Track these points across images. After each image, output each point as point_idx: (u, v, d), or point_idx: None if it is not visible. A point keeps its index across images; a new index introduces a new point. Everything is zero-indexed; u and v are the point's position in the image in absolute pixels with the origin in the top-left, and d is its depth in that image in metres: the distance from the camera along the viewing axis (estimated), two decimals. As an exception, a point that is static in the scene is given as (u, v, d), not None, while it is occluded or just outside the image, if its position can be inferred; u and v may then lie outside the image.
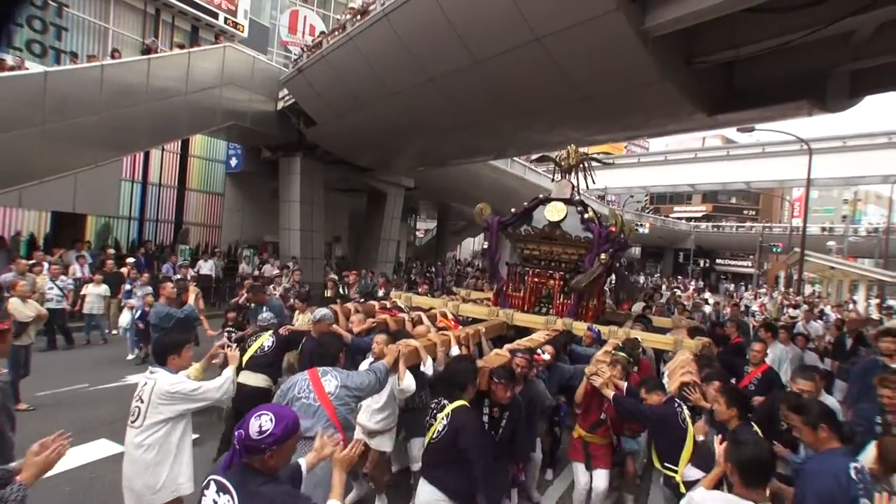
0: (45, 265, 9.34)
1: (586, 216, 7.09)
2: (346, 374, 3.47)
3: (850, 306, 20.99)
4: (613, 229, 6.92)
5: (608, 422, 4.53)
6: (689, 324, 7.96)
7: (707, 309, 14.54)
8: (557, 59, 9.36)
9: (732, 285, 42.99)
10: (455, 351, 4.73)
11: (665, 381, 4.73)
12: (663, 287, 25.26)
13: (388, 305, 7.02)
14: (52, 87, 10.94)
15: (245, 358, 5.00)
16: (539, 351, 4.96)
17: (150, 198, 17.58)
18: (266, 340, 5.17)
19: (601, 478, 4.48)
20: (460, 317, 6.96)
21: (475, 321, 6.70)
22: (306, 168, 17.47)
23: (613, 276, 8.57)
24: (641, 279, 33.78)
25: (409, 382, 3.94)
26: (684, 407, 3.91)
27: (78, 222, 14.05)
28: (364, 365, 4.27)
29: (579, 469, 4.60)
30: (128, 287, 9.80)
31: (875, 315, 17.80)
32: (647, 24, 8.00)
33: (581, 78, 9.89)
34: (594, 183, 7.95)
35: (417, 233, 37.84)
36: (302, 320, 6.45)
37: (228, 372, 3.50)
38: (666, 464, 3.90)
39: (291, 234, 17.84)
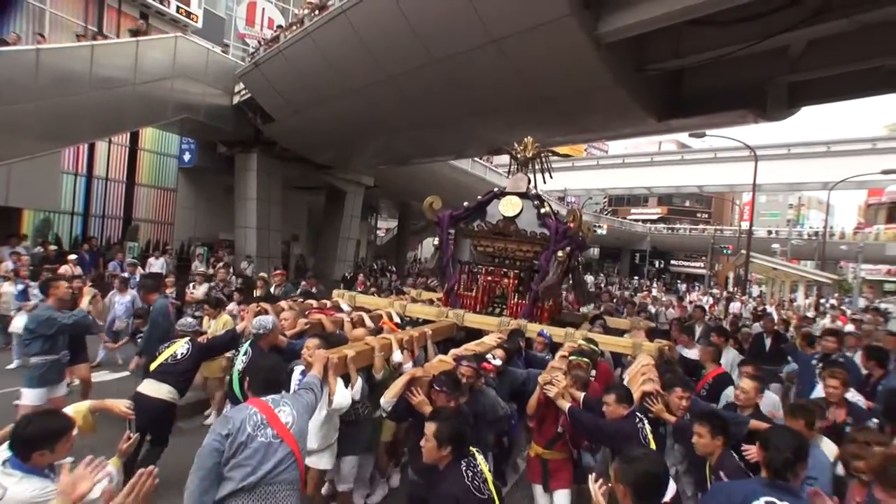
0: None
1: (542, 211, 6.72)
2: (294, 398, 2.97)
3: (787, 305, 22.19)
4: (572, 225, 6.55)
5: (566, 435, 4.08)
6: (647, 325, 7.71)
7: (653, 308, 14.85)
8: (513, 61, 9.52)
9: (685, 286, 44.39)
10: (397, 356, 4.41)
11: None
12: (614, 288, 25.92)
13: (329, 305, 6.63)
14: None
15: (153, 365, 4.51)
16: (489, 357, 4.54)
17: (95, 192, 16.76)
18: (180, 348, 4.60)
19: (562, 498, 4.04)
20: (408, 318, 6.60)
21: (426, 323, 6.26)
22: (263, 165, 17.13)
23: (570, 276, 8.29)
24: (589, 279, 34.40)
25: (341, 398, 3.54)
26: (646, 422, 3.57)
27: (12, 216, 13.19)
28: (296, 373, 3.92)
29: (537, 492, 4.14)
30: (20, 287, 8.31)
31: (811, 314, 18.66)
32: (600, 29, 8.24)
33: (537, 80, 10.08)
34: (551, 178, 7.57)
35: (378, 232, 37.60)
36: (213, 329, 5.76)
37: (112, 467, 2.55)
38: None
39: (248, 232, 17.46)
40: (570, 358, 4.57)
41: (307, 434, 2.96)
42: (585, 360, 4.54)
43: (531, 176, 7.30)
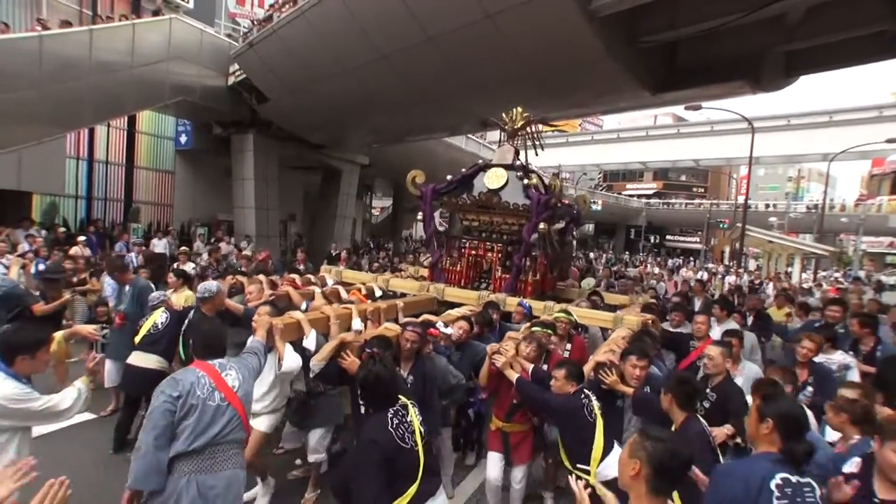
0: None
1: (525, 182, 6.40)
2: (240, 362, 3.07)
3: (783, 278, 22.41)
4: (568, 202, 6.37)
5: (525, 406, 3.98)
6: (645, 301, 7.42)
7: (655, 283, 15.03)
8: (508, 37, 9.62)
9: (680, 260, 44.54)
10: (357, 325, 4.34)
11: None
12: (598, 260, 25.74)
13: (314, 280, 6.66)
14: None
15: (137, 339, 4.70)
16: (438, 324, 4.46)
17: (97, 176, 16.95)
18: (159, 318, 4.78)
19: (519, 471, 4.03)
20: (391, 292, 6.54)
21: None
22: (260, 145, 17.19)
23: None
24: (592, 255, 34.68)
25: (290, 362, 3.58)
26: (592, 397, 3.49)
27: (24, 201, 13.50)
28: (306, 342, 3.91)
29: (492, 459, 4.07)
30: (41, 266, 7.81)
31: (807, 285, 18.99)
32: (594, 3, 8.36)
33: (530, 56, 10.17)
34: (542, 150, 7.29)
35: (373, 211, 37.70)
36: (176, 300, 5.64)
37: (81, 384, 2.88)
38: (577, 464, 3.42)
39: (246, 212, 17.61)
40: (532, 329, 4.41)
41: (252, 396, 3.08)
42: (547, 331, 4.42)
43: (521, 148, 7.08)
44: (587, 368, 3.87)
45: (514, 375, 3.75)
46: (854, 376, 4.64)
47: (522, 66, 10.57)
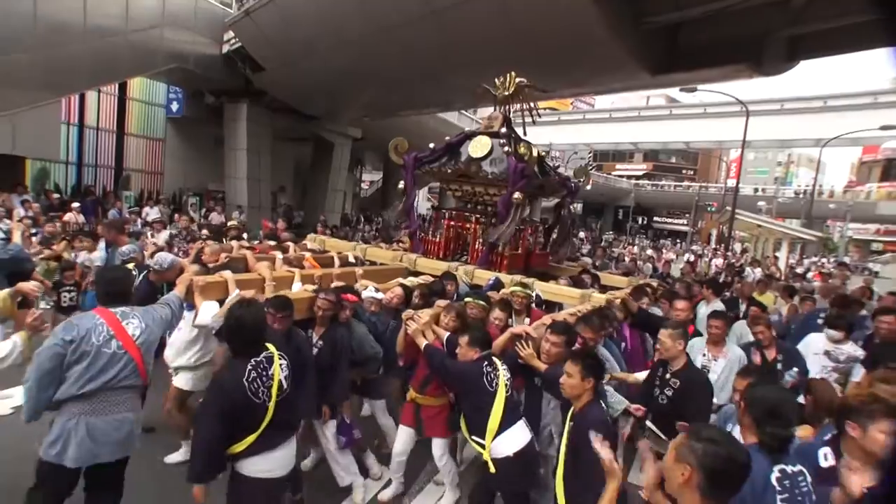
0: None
1: (506, 150, 6.09)
2: (146, 311, 3.07)
3: (770, 262, 22.69)
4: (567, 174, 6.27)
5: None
6: (647, 283, 6.99)
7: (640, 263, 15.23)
8: (510, 14, 9.60)
9: (668, 242, 44.85)
10: (296, 286, 4.37)
11: None
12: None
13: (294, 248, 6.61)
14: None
15: None
16: (370, 290, 4.46)
17: (87, 142, 16.77)
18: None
19: (437, 447, 3.87)
20: (367, 261, 6.56)
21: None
22: (253, 115, 17.00)
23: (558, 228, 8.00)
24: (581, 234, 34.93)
25: (203, 317, 3.53)
26: (498, 365, 3.33)
27: (17, 166, 13.41)
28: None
29: (402, 433, 3.97)
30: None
31: (800, 270, 19.14)
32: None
33: (534, 31, 10.06)
34: (539, 116, 7.04)
35: (363, 184, 37.57)
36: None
37: (18, 337, 2.93)
38: (473, 436, 3.31)
39: (237, 182, 17.51)
40: (465, 300, 4.35)
41: (154, 345, 3.08)
42: (480, 303, 4.29)
43: (513, 117, 6.79)
44: (502, 339, 3.72)
45: (423, 342, 3.61)
46: (860, 372, 4.34)
47: (523, 42, 10.45)
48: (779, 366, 4.42)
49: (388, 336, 4.24)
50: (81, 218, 10.57)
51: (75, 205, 11.08)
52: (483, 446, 3.18)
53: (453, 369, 3.41)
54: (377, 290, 4.49)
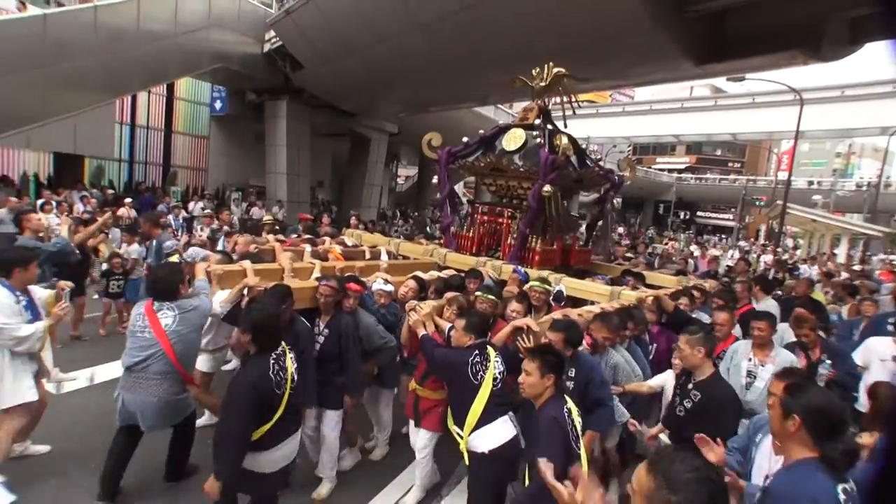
0: (54, 204, 9.56)
1: (538, 142, 5.96)
2: (182, 305, 3.37)
3: (826, 260, 20.46)
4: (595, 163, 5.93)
5: None
6: (693, 283, 6.39)
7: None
8: (547, 4, 9.55)
9: (714, 238, 43.17)
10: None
11: None
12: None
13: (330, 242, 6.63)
14: (51, 30, 11.10)
15: None
16: (379, 282, 4.38)
17: (138, 140, 17.65)
18: None
19: (422, 438, 3.79)
20: (399, 256, 6.53)
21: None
22: (292, 112, 17.50)
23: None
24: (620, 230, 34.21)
25: (214, 304, 3.68)
26: (491, 356, 3.18)
27: (77, 164, 14.36)
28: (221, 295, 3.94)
29: (412, 426, 3.96)
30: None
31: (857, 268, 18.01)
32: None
33: (572, 22, 9.94)
34: (580, 106, 6.81)
35: (399, 179, 37.87)
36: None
37: (42, 324, 3.41)
38: (455, 427, 3.22)
39: (277, 177, 18.05)
40: (476, 294, 4.18)
41: (186, 333, 3.36)
42: (491, 297, 4.06)
43: (552, 110, 6.63)
44: (504, 332, 3.59)
45: (421, 332, 3.52)
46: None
47: (561, 33, 10.25)
48: (827, 362, 4.10)
49: (400, 328, 4.15)
50: (133, 213, 11.11)
51: (128, 200, 11.71)
52: (462, 437, 3.13)
53: (439, 358, 3.31)
54: (386, 282, 4.43)
